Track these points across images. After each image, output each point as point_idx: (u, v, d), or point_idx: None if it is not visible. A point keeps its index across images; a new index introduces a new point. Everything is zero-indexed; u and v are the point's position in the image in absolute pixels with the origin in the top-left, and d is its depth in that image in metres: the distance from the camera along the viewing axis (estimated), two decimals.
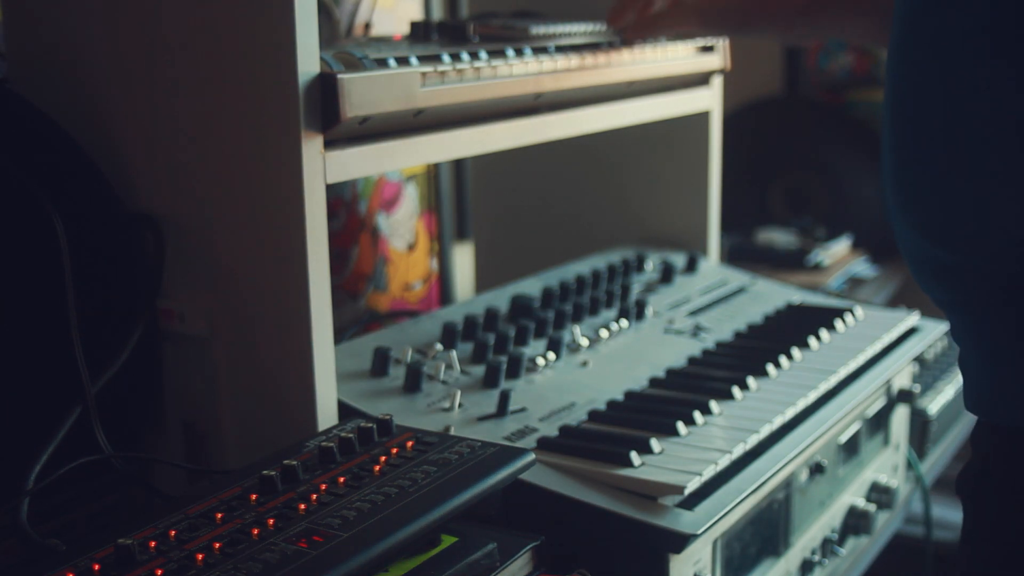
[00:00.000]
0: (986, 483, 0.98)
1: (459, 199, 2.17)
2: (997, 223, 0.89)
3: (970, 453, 1.01)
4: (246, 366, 1.12)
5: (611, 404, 1.23)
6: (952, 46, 0.91)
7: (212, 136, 1.09)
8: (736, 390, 1.24)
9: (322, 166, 1.04)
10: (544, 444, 1.12)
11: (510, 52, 1.26)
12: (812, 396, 1.26)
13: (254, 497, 0.89)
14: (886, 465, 1.54)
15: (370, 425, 1.01)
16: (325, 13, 1.70)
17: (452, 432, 1.12)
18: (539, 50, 1.30)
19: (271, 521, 0.85)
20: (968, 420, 1.90)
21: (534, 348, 1.34)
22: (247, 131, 1.06)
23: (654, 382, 1.30)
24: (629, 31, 1.46)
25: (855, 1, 1.37)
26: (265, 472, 0.91)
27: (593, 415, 1.20)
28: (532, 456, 0.99)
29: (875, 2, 1.33)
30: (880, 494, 1.49)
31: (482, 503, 0.93)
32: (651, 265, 1.67)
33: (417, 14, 2.00)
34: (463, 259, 2.14)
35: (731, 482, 1.08)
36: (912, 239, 0.96)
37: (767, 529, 1.22)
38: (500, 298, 1.47)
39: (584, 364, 1.33)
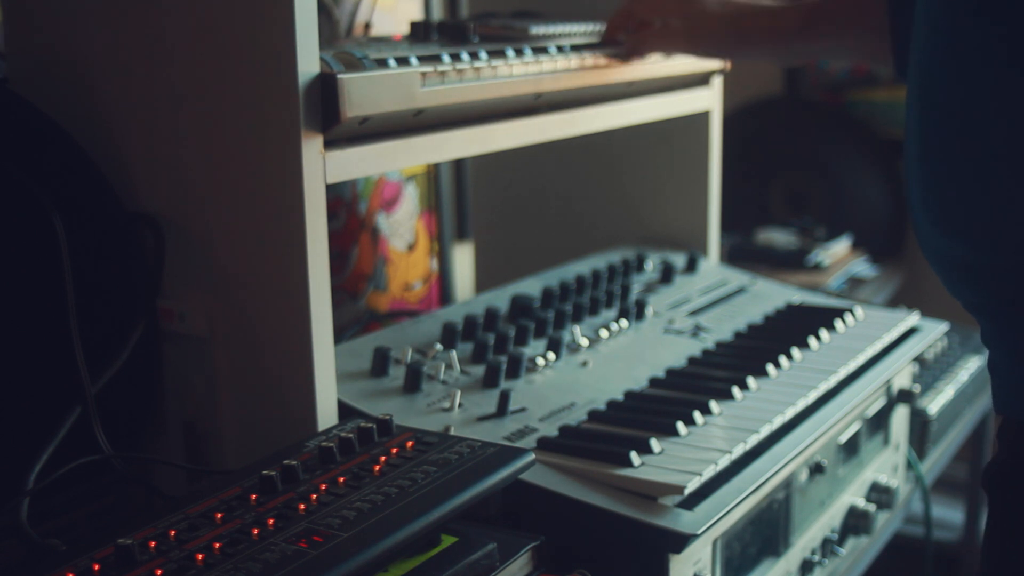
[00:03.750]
0: (1012, 477, 0.99)
1: (459, 199, 2.17)
2: None
3: (996, 447, 1.02)
4: (246, 366, 1.12)
5: (611, 404, 1.23)
6: (975, 55, 0.91)
7: (212, 136, 1.09)
8: (736, 390, 1.24)
9: (322, 166, 1.04)
10: (544, 444, 1.12)
11: (510, 52, 1.26)
12: (812, 396, 1.26)
13: (254, 497, 0.89)
14: (886, 465, 1.54)
15: (370, 425, 1.01)
16: (325, 13, 1.71)
17: (452, 432, 1.12)
18: (539, 50, 1.30)
19: (271, 521, 0.85)
20: (968, 419, 1.90)
21: (534, 348, 1.34)
22: (247, 131, 1.06)
23: (654, 382, 1.30)
24: (623, 52, 1.45)
25: (851, 21, 1.36)
26: (265, 472, 0.91)
27: (593, 415, 1.20)
28: (532, 456, 0.99)
29: (870, 20, 1.33)
30: (880, 494, 1.49)
31: (482, 503, 0.93)
32: (651, 265, 1.67)
33: (417, 14, 2.00)
34: (463, 259, 2.14)
35: (731, 482, 1.08)
36: (942, 244, 0.97)
37: (767, 529, 1.22)
38: (500, 298, 1.47)
39: (584, 364, 1.33)
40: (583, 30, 1.42)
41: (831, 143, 2.87)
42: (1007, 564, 1.01)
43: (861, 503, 1.44)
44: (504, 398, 1.19)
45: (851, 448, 1.41)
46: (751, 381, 1.27)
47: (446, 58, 1.17)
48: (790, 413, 1.21)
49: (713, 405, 1.20)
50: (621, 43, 1.45)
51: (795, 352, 1.37)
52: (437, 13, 2.05)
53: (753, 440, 1.14)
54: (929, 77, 0.97)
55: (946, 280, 1.00)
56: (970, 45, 0.92)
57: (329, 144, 1.05)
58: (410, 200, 2.00)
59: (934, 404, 1.71)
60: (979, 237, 0.94)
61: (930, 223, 0.97)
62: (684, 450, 1.10)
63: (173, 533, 0.83)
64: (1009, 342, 0.97)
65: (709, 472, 1.06)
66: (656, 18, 1.46)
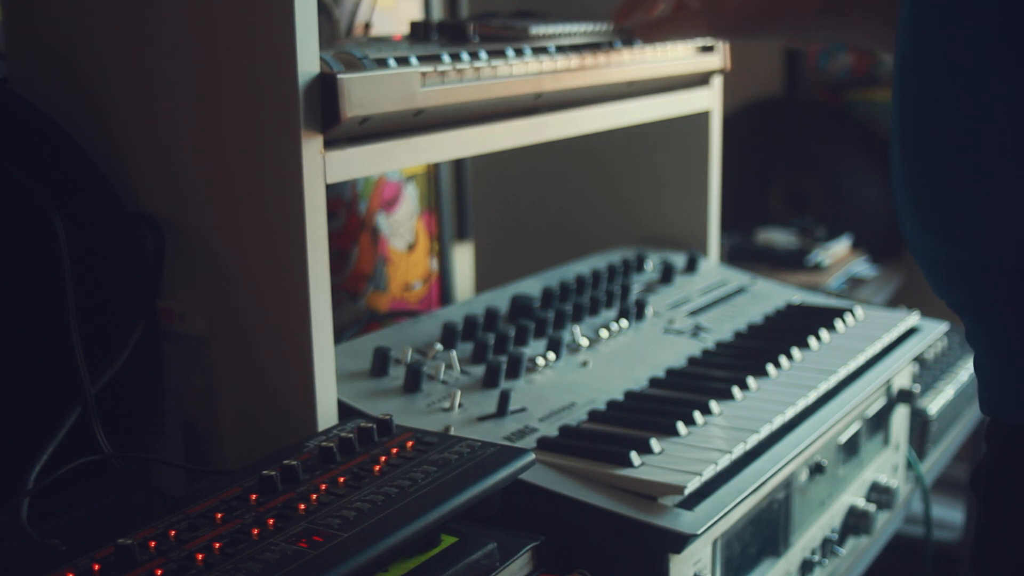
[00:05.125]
0: (1001, 479, 0.98)
1: (459, 199, 2.17)
2: (1015, 220, 0.90)
3: (984, 448, 1.02)
4: (246, 366, 1.12)
5: (611, 404, 1.23)
6: (965, 49, 0.91)
7: (212, 136, 1.09)
8: (736, 390, 1.24)
9: (322, 166, 1.04)
10: (544, 444, 1.12)
11: (510, 52, 1.26)
12: (812, 396, 1.26)
13: (254, 497, 0.89)
14: (886, 465, 1.54)
15: (370, 425, 1.01)
16: (325, 13, 1.70)
17: (452, 432, 1.12)
18: (539, 50, 1.30)
19: (271, 521, 0.85)
20: (968, 419, 1.90)
21: (534, 348, 1.34)
22: (247, 131, 1.06)
23: (654, 382, 1.30)
24: (636, 34, 1.45)
25: (867, 6, 1.36)
26: (265, 472, 0.91)
27: (593, 415, 1.20)
28: (532, 456, 0.99)
29: (886, 7, 1.33)
30: (880, 494, 1.49)
31: (482, 503, 0.93)
32: (651, 265, 1.67)
33: (417, 14, 2.00)
34: (463, 259, 2.14)
35: (731, 482, 1.08)
36: (927, 242, 0.96)
37: (767, 529, 1.22)
38: (500, 298, 1.47)
39: (584, 364, 1.33)
40: (583, 30, 1.42)
41: (831, 143, 2.87)
42: (996, 566, 1.00)
43: (861, 503, 1.44)
44: (504, 398, 1.19)
45: (851, 448, 1.41)
46: (751, 381, 1.27)
47: (446, 58, 1.17)
48: (790, 413, 1.21)
49: (713, 405, 1.20)
50: (629, 31, 1.45)
51: (795, 352, 1.37)
52: (437, 13, 2.05)
53: (753, 440, 1.14)
54: (913, 72, 0.96)
55: (932, 279, 0.99)
56: (959, 38, 0.91)
57: (329, 144, 1.05)
58: (410, 200, 2.00)
59: (934, 404, 1.71)
60: (964, 235, 0.93)
61: (915, 221, 0.97)
62: (684, 450, 1.10)
63: (173, 533, 0.83)
64: (995, 343, 0.97)
65: (709, 472, 1.06)
66: (668, 2, 1.46)
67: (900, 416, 1.57)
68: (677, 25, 1.45)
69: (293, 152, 1.03)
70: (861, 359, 1.39)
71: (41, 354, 1.13)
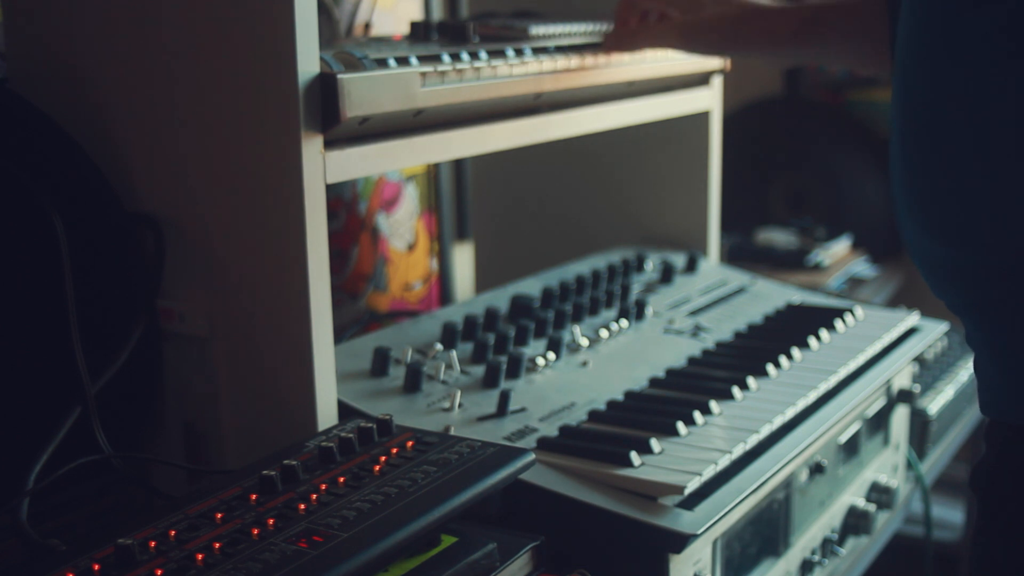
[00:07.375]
0: (1000, 479, 0.99)
1: (459, 199, 2.17)
2: (1016, 221, 0.90)
3: (984, 448, 1.02)
4: (246, 366, 1.12)
5: (611, 404, 1.23)
6: (971, 48, 0.91)
7: (212, 136, 1.09)
8: (736, 390, 1.24)
9: (322, 166, 1.04)
10: (544, 444, 1.12)
11: (510, 52, 1.26)
12: (812, 396, 1.26)
13: (254, 497, 0.89)
14: (886, 465, 1.54)
15: (370, 425, 1.01)
16: (325, 13, 1.70)
17: (452, 432, 1.12)
18: (539, 50, 1.30)
19: (271, 521, 0.85)
20: (968, 419, 1.90)
21: (534, 348, 1.34)
22: (247, 131, 1.06)
23: (654, 382, 1.30)
24: (608, 42, 1.42)
25: (851, 29, 1.35)
26: (265, 472, 0.91)
27: (593, 415, 1.20)
28: (532, 456, 0.99)
29: (866, 28, 1.32)
30: (880, 494, 1.49)
31: (482, 503, 0.93)
32: (651, 265, 1.67)
33: (417, 14, 2.00)
34: (463, 259, 2.14)
35: (731, 482, 1.08)
36: (927, 244, 0.96)
37: (767, 529, 1.22)
38: (500, 298, 1.47)
39: (584, 364, 1.33)
40: (583, 30, 1.42)
41: (831, 143, 2.87)
42: (995, 565, 1.01)
43: (861, 503, 1.44)
44: (504, 398, 1.19)
45: (851, 448, 1.41)
46: (751, 381, 1.27)
47: (446, 58, 1.17)
48: (790, 413, 1.21)
49: (713, 405, 1.20)
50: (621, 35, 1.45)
51: (795, 352, 1.37)
52: (437, 13, 2.05)
53: (753, 440, 1.14)
54: (914, 77, 0.96)
55: (931, 281, 1.00)
56: (963, 35, 0.91)
57: (329, 144, 1.05)
58: (410, 200, 2.00)
59: (934, 404, 1.71)
60: (963, 238, 0.93)
61: (914, 224, 0.97)
62: (684, 450, 1.10)
63: (173, 533, 0.83)
64: (994, 344, 0.97)
65: (709, 472, 1.06)
66: (653, 11, 1.45)
67: (900, 416, 1.57)
68: (652, 36, 1.42)
69: (293, 152, 1.03)
70: (861, 359, 1.39)
71: (41, 354, 1.13)
